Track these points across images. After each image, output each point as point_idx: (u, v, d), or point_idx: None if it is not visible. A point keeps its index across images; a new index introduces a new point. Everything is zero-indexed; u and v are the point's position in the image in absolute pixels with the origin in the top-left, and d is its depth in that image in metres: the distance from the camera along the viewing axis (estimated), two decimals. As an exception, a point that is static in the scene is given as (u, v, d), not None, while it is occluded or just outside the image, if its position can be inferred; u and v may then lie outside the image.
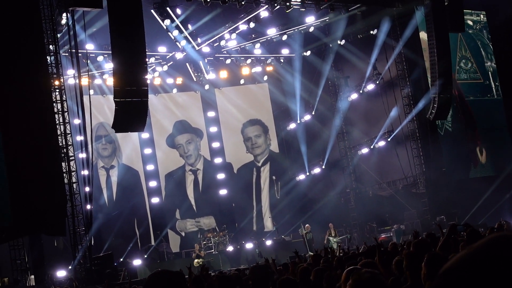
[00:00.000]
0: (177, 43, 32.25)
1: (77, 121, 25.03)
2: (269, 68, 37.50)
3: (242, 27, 31.62)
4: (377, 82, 33.50)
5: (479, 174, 32.30)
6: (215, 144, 37.32)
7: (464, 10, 32.49)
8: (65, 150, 24.55)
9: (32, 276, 24.52)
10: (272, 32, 33.73)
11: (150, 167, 35.09)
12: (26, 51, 22.31)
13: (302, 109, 37.04)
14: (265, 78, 38.12)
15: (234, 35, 32.75)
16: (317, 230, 30.15)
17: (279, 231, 33.71)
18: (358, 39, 34.19)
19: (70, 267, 24.54)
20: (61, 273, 24.50)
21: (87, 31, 25.14)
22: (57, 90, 24.49)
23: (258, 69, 37.05)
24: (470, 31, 34.02)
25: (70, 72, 27.57)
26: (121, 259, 29.45)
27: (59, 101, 24.50)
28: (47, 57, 24.07)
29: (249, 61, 36.19)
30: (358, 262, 7.93)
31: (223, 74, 36.11)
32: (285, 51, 36.52)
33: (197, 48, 33.00)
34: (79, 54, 24.36)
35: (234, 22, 31.64)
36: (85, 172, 24.54)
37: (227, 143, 37.63)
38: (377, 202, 33.50)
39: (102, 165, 33.89)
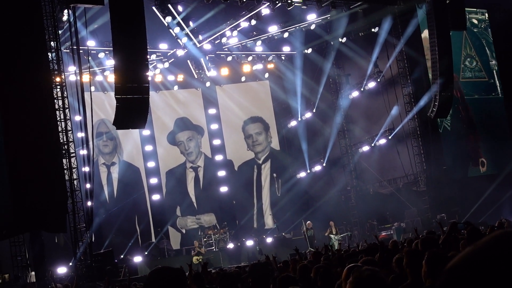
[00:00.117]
0: (178, 40, 32.24)
1: (78, 118, 25.04)
2: (270, 66, 37.49)
3: (244, 24, 31.61)
4: (378, 80, 33.49)
5: (479, 173, 32.30)
6: (216, 141, 37.32)
7: (469, 9, 32.59)
8: (66, 146, 24.55)
9: (33, 273, 24.52)
10: (273, 29, 33.71)
11: (151, 164, 35.08)
12: (27, 47, 22.30)
13: (303, 107, 37.02)
14: (266, 75, 38.09)
15: (235, 33, 32.76)
16: (317, 228, 30.14)
17: (280, 228, 33.72)
18: (360, 37, 34.17)
19: (70, 264, 24.57)
20: (61, 270, 24.52)
21: (88, 28, 25.11)
22: (58, 87, 24.49)
23: (259, 66, 37.03)
24: (475, 30, 34.04)
25: (71, 68, 27.53)
26: (122, 256, 29.45)
27: (60, 98, 24.49)
28: (48, 53, 24.08)
29: (250, 58, 36.17)
30: (358, 260, 7.93)
31: (224, 71, 36.10)
32: (286, 49, 36.50)
33: (198, 45, 32.98)
34: (80, 51, 24.37)
35: (235, 19, 31.64)
36: (86, 169, 24.54)
37: (228, 141, 37.63)
38: (378, 200, 33.50)
39: (103, 162, 33.89)
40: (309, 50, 35.84)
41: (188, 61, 35.43)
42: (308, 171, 36.93)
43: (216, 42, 33.58)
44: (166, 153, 35.92)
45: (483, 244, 1.43)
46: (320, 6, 29.36)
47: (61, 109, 24.45)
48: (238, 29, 32.40)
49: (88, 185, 24.40)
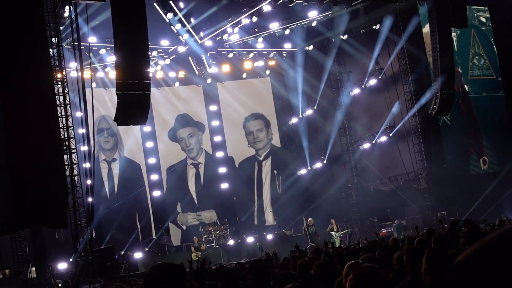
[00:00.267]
0: (180, 37, 32.21)
1: (79, 114, 25.07)
2: (272, 62, 37.47)
3: (245, 21, 31.57)
4: (380, 77, 33.49)
5: (481, 171, 32.31)
6: (217, 138, 37.31)
7: (477, 7, 32.66)
8: (67, 142, 24.58)
9: (33, 268, 24.57)
10: (274, 26, 33.70)
11: (151, 160, 35.09)
12: (29, 43, 22.30)
13: (304, 104, 37.01)
14: (267, 72, 38.10)
15: (236, 29, 32.74)
16: (318, 225, 30.12)
17: (280, 225, 33.72)
18: (361, 34, 34.18)
19: (71, 260, 24.59)
20: (62, 266, 24.56)
21: (89, 24, 25.12)
22: (59, 83, 24.50)
23: (260, 63, 37.03)
24: (483, 28, 34.13)
25: (73, 65, 27.53)
26: (122, 252, 29.49)
27: (61, 94, 24.52)
28: (50, 49, 24.09)
29: (251, 55, 36.14)
30: (359, 257, 7.94)
31: (226, 68, 36.07)
32: (287, 46, 36.48)
33: (199, 41, 32.96)
34: (82, 47, 24.37)
35: (236, 16, 31.60)
36: (87, 165, 24.57)
37: (228, 137, 37.62)
38: (379, 197, 33.51)
39: (104, 158, 33.90)
40: (310, 47, 35.83)
41: (189, 57, 35.41)
42: (309, 168, 36.94)
43: (217, 38, 33.54)
44: (167, 149, 35.93)
45: (489, 241, 1.44)
46: (321, 3, 29.34)
47: (62, 105, 24.48)
48: (239, 26, 32.37)
49: (88, 181, 24.41)
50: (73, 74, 27.40)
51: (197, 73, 36.29)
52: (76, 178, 25.10)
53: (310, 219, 29.26)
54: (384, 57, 32.94)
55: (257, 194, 37.70)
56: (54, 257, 25.38)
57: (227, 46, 34.88)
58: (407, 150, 32.38)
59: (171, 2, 29.07)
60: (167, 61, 33.97)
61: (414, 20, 30.88)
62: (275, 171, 37.94)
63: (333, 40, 35.21)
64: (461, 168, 31.90)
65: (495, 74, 33.96)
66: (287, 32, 34.08)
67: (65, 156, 24.14)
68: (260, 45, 35.21)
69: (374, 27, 33.01)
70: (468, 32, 32.67)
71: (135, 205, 33.61)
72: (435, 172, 31.72)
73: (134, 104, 20.55)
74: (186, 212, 35.65)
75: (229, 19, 32.01)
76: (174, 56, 33.85)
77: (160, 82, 35.20)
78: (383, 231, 29.79)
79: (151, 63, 31.14)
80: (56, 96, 24.00)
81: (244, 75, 37.53)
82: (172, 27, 31.05)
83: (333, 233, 28.55)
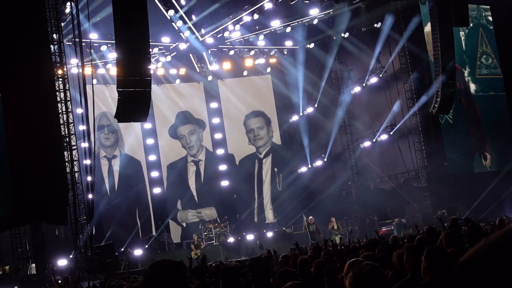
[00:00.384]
0: (181, 34, 32.22)
1: (79, 111, 25.05)
2: (273, 60, 37.48)
3: (246, 18, 31.58)
4: (380, 75, 33.48)
5: (485, 169, 32.31)
6: (218, 135, 37.32)
7: (484, 6, 32.72)
8: (67, 139, 24.62)
9: (33, 265, 24.60)
10: (276, 24, 33.71)
11: (152, 157, 35.10)
12: (30, 39, 22.29)
13: (305, 102, 37.01)
14: (268, 70, 38.10)
15: (237, 27, 32.74)
16: (318, 223, 30.10)
17: (280, 223, 33.72)
18: (362, 32, 34.16)
19: (71, 256, 24.62)
20: (62, 262, 24.58)
21: (91, 21, 25.10)
22: (60, 79, 24.53)
23: (261, 60, 37.03)
24: (490, 27, 34.18)
25: (74, 61, 27.55)
26: (122, 249, 29.50)
27: (62, 90, 24.55)
28: (51, 46, 24.09)
29: (252, 52, 36.15)
30: (359, 255, 7.94)
31: (226, 65, 36.08)
32: (288, 43, 36.51)
33: (200, 39, 32.97)
34: (83, 44, 24.32)
35: (238, 13, 31.61)
36: (87, 162, 24.56)
37: (229, 135, 37.63)
38: (379, 195, 33.48)
39: (104, 155, 33.91)
40: (312, 45, 35.84)
41: (190, 54, 35.42)
42: (309, 166, 36.94)
43: (218, 36, 33.55)
44: (168, 146, 35.94)
45: (494, 240, 1.44)
46: (322, 1, 29.38)
47: (63, 101, 24.51)
48: (240, 23, 32.38)
49: (89, 178, 24.42)
50: (74, 70, 27.44)
51: (198, 70, 36.29)
52: (76, 174, 25.13)
53: (310, 217, 29.26)
54: (385, 55, 32.94)
55: (257, 191, 37.71)
56: (54, 254, 25.41)
57: (228, 43, 34.89)
58: (408, 149, 32.39)
59: (172, -1, 29.09)
60: (168, 58, 33.98)
61: (415, 19, 30.88)
62: (276, 169, 37.96)
63: (334, 38, 35.19)
64: (463, 167, 31.90)
65: (503, 73, 33.96)
66: (288, 29, 34.09)
67: (65, 153, 24.16)
68: (261, 42, 35.23)
69: (375, 25, 33.01)
70: (476, 31, 32.79)
71: (135, 202, 33.63)
72: (436, 170, 31.73)
73: (134, 101, 20.53)
74: (186, 209, 35.67)
75: (230, 16, 32.02)
76: (175, 53, 33.87)
77: (161, 79, 35.20)
78: (383, 229, 29.78)
79: (152, 60, 31.10)
80: (57, 93, 24.00)
81: (245, 73, 37.52)
82: (173, 24, 31.04)
83: (333, 231, 28.57)
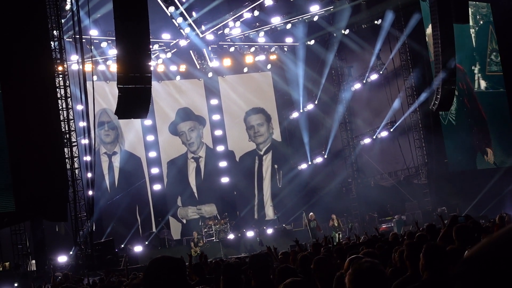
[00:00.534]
0: (181, 30, 32.20)
1: (80, 107, 25.07)
2: (273, 57, 37.44)
3: (246, 15, 31.57)
4: (381, 72, 33.45)
5: (487, 166, 32.31)
6: (218, 132, 37.31)
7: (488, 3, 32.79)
8: (67, 135, 24.62)
9: (33, 261, 24.61)
10: (276, 20, 33.68)
11: (152, 154, 35.10)
12: (30, 36, 22.31)
13: (305, 98, 36.98)
14: (269, 66, 38.08)
15: (238, 23, 32.71)
16: (318, 220, 30.13)
17: (280, 219, 33.72)
18: (362, 29, 34.15)
19: (71, 253, 24.63)
20: (62, 258, 24.60)
21: (91, 17, 25.11)
22: (61, 76, 24.54)
23: (261, 57, 37.00)
24: None
25: (74, 57, 27.58)
26: (122, 246, 29.53)
27: (62, 87, 24.56)
28: (51, 42, 24.11)
29: (252, 49, 36.10)
30: (359, 252, 7.95)
31: (227, 62, 36.07)
32: (289, 40, 36.48)
33: (201, 35, 32.96)
34: (83, 40, 24.33)
35: (238, 10, 31.59)
36: (87, 158, 24.58)
37: (229, 131, 37.62)
38: (379, 192, 33.48)
39: (105, 151, 33.92)
40: (312, 42, 35.81)
41: (191, 51, 35.39)
42: (309, 163, 36.93)
43: (218, 32, 33.53)
44: (168, 143, 35.94)
45: (498, 237, 1.44)
46: (323, -3, 29.34)
47: (63, 98, 24.52)
48: (241, 20, 32.35)
49: (89, 175, 24.43)
50: (74, 67, 27.44)
51: (198, 67, 36.27)
52: (76, 171, 25.14)
53: (311, 213, 29.26)
54: (385, 52, 32.92)
55: (258, 188, 37.72)
56: (54, 250, 25.43)
57: (229, 40, 34.86)
58: (408, 146, 32.39)
59: (172, -5, 29.07)
60: (169, 55, 33.97)
61: (415, 16, 30.86)
62: (276, 166, 37.95)
63: (335, 34, 35.16)
64: (464, 164, 31.91)
65: (504, 71, 33.96)
66: (288, 26, 34.07)
67: (65, 149, 24.19)
68: (261, 39, 35.21)
69: (375, 22, 32.99)
70: (486, 28, 32.92)
71: (135, 199, 33.63)
72: (436, 167, 31.73)
73: (135, 98, 20.52)
74: (186, 206, 35.68)
75: (231, 13, 32.00)
76: (175, 49, 33.85)
77: (161, 75, 35.19)
78: (383, 226, 29.79)
79: (153, 56, 31.07)
80: (57, 89, 24.05)
81: (245, 69, 37.48)
82: (173, 20, 31.04)
83: (334, 228, 28.60)
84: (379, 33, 32.35)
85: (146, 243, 30.83)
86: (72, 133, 24.91)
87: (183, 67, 35.41)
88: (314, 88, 36.64)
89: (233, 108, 37.58)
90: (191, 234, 30.91)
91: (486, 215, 26.44)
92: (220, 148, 37.17)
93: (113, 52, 29.91)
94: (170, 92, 36.06)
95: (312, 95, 36.91)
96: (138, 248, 28.76)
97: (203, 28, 32.62)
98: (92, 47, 29.62)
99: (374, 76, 33.93)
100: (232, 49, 35.29)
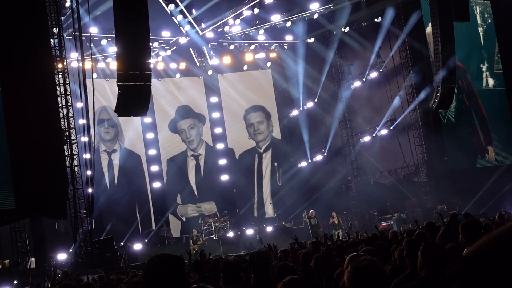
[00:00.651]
0: (181, 28, 32.20)
1: (79, 105, 25.05)
2: (273, 55, 37.41)
3: (246, 13, 31.58)
4: (381, 70, 33.44)
5: (485, 164, 32.30)
6: (217, 130, 37.31)
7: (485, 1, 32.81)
8: (67, 133, 24.62)
9: (33, 259, 24.61)
10: (276, 18, 33.68)
11: (152, 151, 35.10)
12: (30, 33, 22.30)
13: (305, 96, 36.95)
14: (269, 64, 38.07)
15: (238, 21, 32.71)
16: (318, 218, 30.17)
17: (280, 217, 33.73)
18: (362, 27, 34.14)
19: (70, 250, 24.62)
20: (61, 256, 24.59)
21: (91, 15, 25.13)
22: (60, 73, 24.54)
23: (261, 55, 36.98)
24: None
25: (74, 55, 27.56)
26: (122, 243, 29.53)
27: (62, 84, 24.55)
28: (51, 39, 24.10)
29: (252, 47, 36.09)
30: (359, 250, 7.95)
31: (227, 59, 36.06)
32: (288, 38, 36.46)
33: (201, 33, 32.96)
34: (83, 38, 24.32)
35: (238, 7, 31.60)
36: (87, 156, 24.59)
37: (229, 129, 37.61)
38: (378, 190, 33.48)
39: (104, 149, 33.92)
40: (312, 40, 35.78)
41: (191, 49, 35.39)
42: (309, 161, 36.91)
43: (218, 30, 33.53)
44: (167, 140, 35.94)
45: (498, 234, 1.43)
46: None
47: (63, 95, 24.52)
48: (240, 18, 32.36)
49: (89, 172, 24.44)
50: (74, 64, 27.43)
51: (198, 65, 36.27)
52: (76, 169, 25.14)
53: (311, 210, 29.30)
54: (385, 50, 32.91)
55: (257, 186, 37.72)
56: (53, 248, 25.42)
57: (229, 37, 34.86)
58: (408, 144, 32.37)
59: (172, -7, 29.06)
60: (168, 52, 33.95)
61: (415, 13, 30.85)
62: (276, 163, 37.94)
63: (335, 32, 35.11)
64: (464, 162, 31.90)
65: (504, 69, 33.95)
66: (288, 24, 34.06)
67: (65, 147, 24.20)
68: (261, 37, 35.21)
69: (375, 20, 32.98)
70: (494, 26, 32.88)
71: (135, 196, 33.62)
72: (435, 165, 31.73)
73: (134, 95, 20.54)
74: (186, 203, 35.69)
75: (231, 10, 32.02)
76: (175, 47, 33.84)
77: (161, 73, 35.19)
78: (383, 224, 29.80)
79: (152, 54, 31.07)
80: (57, 86, 24.04)
81: (245, 67, 37.47)
82: (173, 18, 31.04)
83: (334, 226, 28.62)
84: (379, 31, 32.33)
85: (146, 240, 30.83)
86: (71, 130, 24.90)
87: (183, 65, 35.42)
88: (314, 86, 36.62)
89: (233, 106, 37.57)
90: (190, 232, 30.92)
91: (486, 213, 26.44)
92: (220, 145, 37.17)
93: (113, 49, 29.89)
94: (170, 90, 36.06)
95: (312, 93, 36.90)
96: (137, 246, 28.76)
97: (203, 25, 32.63)
98: (92, 45, 29.59)
99: (374, 74, 33.91)
100: (232, 46, 35.29)
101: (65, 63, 25.02)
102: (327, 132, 36.53)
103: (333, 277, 6.77)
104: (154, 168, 34.97)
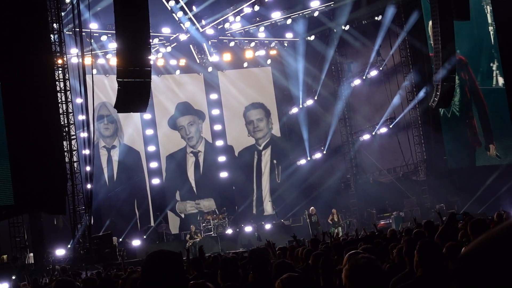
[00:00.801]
0: (181, 25, 32.19)
1: (79, 100, 25.07)
2: (273, 52, 37.41)
3: (247, 10, 31.55)
4: (381, 68, 33.41)
5: (485, 163, 32.27)
6: (217, 127, 37.30)
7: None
8: (66, 129, 24.63)
9: (31, 254, 24.62)
10: (276, 15, 33.67)
11: (151, 148, 35.08)
12: (30, 29, 22.29)
13: (305, 94, 36.91)
14: (269, 61, 38.05)
15: (238, 18, 32.69)
16: (317, 215, 30.19)
17: (279, 215, 33.74)
18: (363, 25, 34.11)
19: (69, 246, 24.64)
20: (60, 252, 24.60)
21: (91, 10, 25.11)
22: (60, 69, 24.55)
23: (261, 52, 36.97)
24: None
25: (74, 51, 27.54)
26: (120, 239, 29.53)
27: (62, 80, 24.56)
28: (51, 35, 24.10)
29: (252, 44, 36.07)
30: (357, 248, 7.96)
31: (227, 56, 36.04)
32: (289, 35, 36.44)
33: (201, 30, 32.95)
34: (83, 33, 24.32)
35: (238, 4, 31.57)
36: (86, 152, 24.60)
37: (228, 126, 37.60)
38: (377, 188, 33.49)
39: (104, 145, 33.90)
40: (312, 37, 35.77)
41: (191, 45, 35.39)
42: (309, 159, 36.88)
43: (219, 27, 33.52)
44: (167, 137, 35.92)
45: (496, 232, 1.43)
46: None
47: (63, 91, 24.54)
48: (241, 15, 32.33)
49: (88, 168, 24.45)
50: (74, 60, 27.41)
51: (198, 61, 36.26)
52: (75, 164, 25.14)
53: (312, 208, 29.32)
54: (385, 48, 32.88)
55: (256, 183, 37.72)
56: (52, 243, 25.43)
57: (229, 34, 34.85)
58: (407, 142, 32.36)
59: (173, -11, 29.04)
60: (168, 49, 33.94)
61: (416, 12, 30.83)
62: (275, 161, 37.94)
63: (335, 30, 35.10)
64: (464, 160, 31.90)
65: (503, 68, 33.94)
66: (289, 21, 34.04)
67: (64, 143, 24.21)
68: (261, 34, 35.20)
69: (376, 18, 32.95)
70: None
71: (134, 193, 33.62)
72: (435, 164, 31.73)
73: (134, 91, 20.52)
74: (184, 200, 35.68)
75: (231, 7, 31.99)
76: (175, 44, 33.83)
77: (161, 69, 35.17)
78: (382, 222, 29.79)
79: (152, 50, 31.06)
80: (57, 82, 24.04)
81: (245, 64, 37.47)
82: (173, 14, 31.04)
83: (334, 223, 28.65)
84: (379, 29, 32.31)
85: (144, 237, 30.84)
86: (71, 126, 24.90)
87: (183, 62, 35.38)
88: (313, 84, 36.60)
89: (232, 103, 37.56)
90: (189, 229, 30.93)
91: (485, 213, 26.42)
92: (219, 142, 37.17)
93: (113, 45, 29.87)
94: (170, 86, 36.05)
95: (311, 90, 36.88)
96: (136, 242, 28.76)
97: (203, 22, 32.61)
98: (92, 41, 29.58)
99: (374, 72, 33.87)
100: (232, 43, 35.26)
101: (65, 58, 25.01)
102: (327, 130, 36.50)
103: (331, 275, 6.77)
104: (153, 164, 34.97)
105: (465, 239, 8.55)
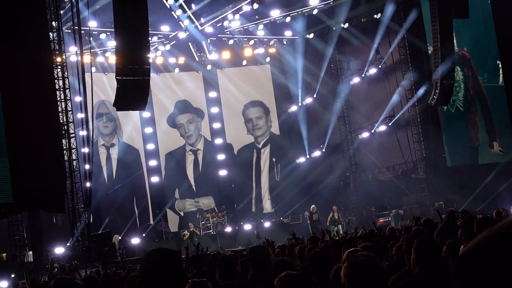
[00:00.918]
0: (180, 23, 32.19)
1: (78, 99, 25.07)
2: (272, 50, 37.39)
3: (246, 8, 31.55)
4: (380, 66, 33.40)
5: (488, 160, 32.26)
6: (216, 125, 37.30)
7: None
8: (65, 127, 24.62)
9: (30, 252, 24.62)
10: (275, 13, 33.66)
11: (150, 146, 35.08)
12: (29, 27, 22.27)
13: (304, 92, 36.90)
14: (268, 59, 38.04)
15: (237, 16, 32.69)
16: (318, 213, 30.18)
17: (278, 213, 33.72)
18: (362, 23, 34.11)
19: (68, 244, 24.64)
20: (59, 250, 24.60)
21: (90, 8, 25.10)
22: (59, 67, 24.52)
23: (260, 50, 36.95)
24: None
25: (73, 49, 27.50)
26: (120, 237, 29.52)
27: (61, 78, 24.54)
28: (50, 33, 24.08)
29: (251, 42, 36.06)
30: (357, 246, 7.95)
31: (226, 54, 36.02)
32: (288, 33, 36.41)
33: (200, 28, 32.95)
34: (82, 31, 24.31)
35: (237, 2, 31.56)
36: (85, 150, 24.59)
37: (228, 124, 37.60)
38: (376, 186, 33.51)
39: (103, 143, 33.90)
40: (311, 35, 35.75)
41: (190, 43, 35.37)
42: (308, 157, 36.87)
43: (218, 25, 33.51)
44: (166, 135, 35.92)
45: (497, 230, 1.42)
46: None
47: (62, 89, 24.52)
48: (240, 13, 32.34)
49: (87, 166, 24.45)
50: (73, 58, 27.36)
51: (197, 60, 36.25)
52: (74, 162, 25.13)
53: (313, 206, 29.33)
54: (384, 46, 32.88)
55: (255, 181, 37.73)
56: (51, 242, 25.42)
57: (228, 32, 34.84)
58: (406, 140, 32.37)
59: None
60: (167, 47, 33.93)
61: (415, 10, 30.82)
62: (274, 159, 37.94)
63: (334, 28, 35.08)
64: (464, 159, 31.90)
65: (503, 65, 33.91)
66: (288, 19, 34.04)
67: (63, 141, 24.19)
68: (260, 32, 35.18)
69: (375, 16, 32.95)
70: None
71: (133, 191, 33.63)
72: (434, 162, 31.73)
73: (133, 90, 20.53)
74: (184, 198, 35.69)
75: (230, 5, 31.99)
76: (174, 42, 33.82)
77: (160, 67, 35.16)
78: (381, 220, 29.80)
79: (151, 48, 31.07)
80: (56, 80, 24.02)
81: (244, 62, 37.46)
82: (172, 12, 31.03)
83: (334, 221, 28.66)
84: (378, 27, 32.31)
85: (144, 235, 30.81)
86: (70, 124, 24.89)
87: (182, 60, 35.38)
88: (313, 82, 36.59)
89: (231, 101, 37.56)
90: (188, 227, 30.95)
91: (484, 210, 26.44)
92: (218, 140, 37.17)
93: (112, 43, 29.85)
94: (169, 84, 36.05)
95: (310, 88, 36.87)
96: (135, 240, 28.75)
97: (202, 20, 32.61)
98: (91, 39, 29.53)
99: (373, 70, 33.86)
100: (231, 42, 35.27)
101: (64, 57, 24.99)
102: (326, 128, 36.49)
103: (330, 272, 6.78)
104: (153, 162, 34.98)
105: (465, 237, 8.54)
